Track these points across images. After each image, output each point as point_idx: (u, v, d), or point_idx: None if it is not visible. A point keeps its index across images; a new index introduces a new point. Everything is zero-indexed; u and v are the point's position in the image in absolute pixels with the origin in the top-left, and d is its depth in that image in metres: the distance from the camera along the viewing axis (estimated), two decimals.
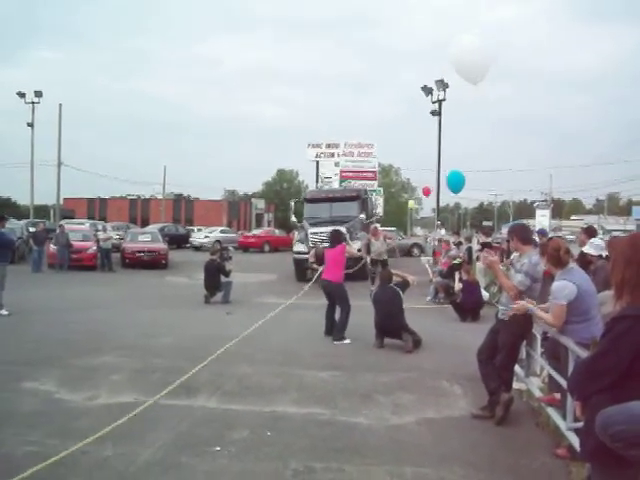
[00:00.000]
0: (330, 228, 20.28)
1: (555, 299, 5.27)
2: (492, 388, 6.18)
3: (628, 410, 2.83)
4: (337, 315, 10.45)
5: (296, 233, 24.35)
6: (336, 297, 10.52)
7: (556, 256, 5.42)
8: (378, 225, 22.56)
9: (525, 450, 5.38)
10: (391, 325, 9.60)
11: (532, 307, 5.64)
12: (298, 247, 21.42)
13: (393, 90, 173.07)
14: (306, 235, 21.36)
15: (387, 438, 5.63)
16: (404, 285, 10.29)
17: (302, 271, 19.98)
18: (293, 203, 25.30)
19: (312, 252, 18.67)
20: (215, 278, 15.29)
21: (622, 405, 2.85)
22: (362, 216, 21.80)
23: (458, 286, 13.88)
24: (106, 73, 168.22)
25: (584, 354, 4.31)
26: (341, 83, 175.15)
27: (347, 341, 9.91)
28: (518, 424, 6.06)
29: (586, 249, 7.79)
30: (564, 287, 5.22)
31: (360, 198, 22.92)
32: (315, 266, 17.60)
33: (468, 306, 12.94)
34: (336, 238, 11.16)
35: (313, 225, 21.56)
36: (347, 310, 10.29)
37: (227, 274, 15.55)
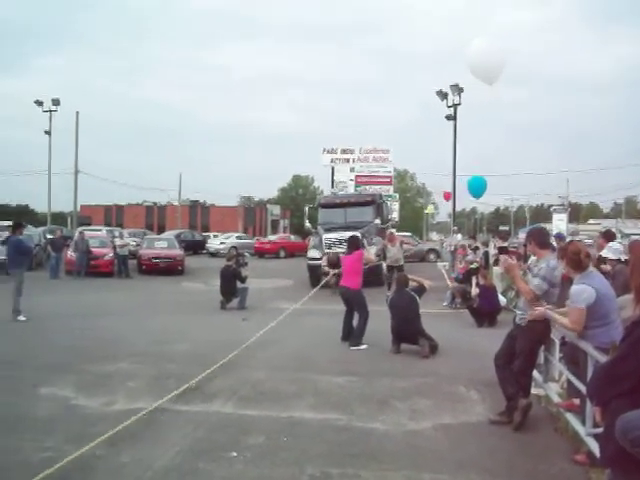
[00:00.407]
0: (345, 234, 19.85)
1: (574, 303, 5.21)
2: (510, 393, 6.13)
3: None
4: (355, 321, 10.41)
5: (311, 239, 24.20)
6: (354, 304, 10.46)
7: (576, 260, 5.34)
8: (394, 230, 22.49)
9: (543, 456, 5.32)
10: (407, 330, 9.56)
11: (550, 313, 5.58)
12: (312, 253, 21.25)
13: (406, 95, 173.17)
14: (320, 241, 21.21)
15: (404, 444, 5.60)
16: (420, 290, 10.25)
17: (316, 277, 19.64)
18: (307, 209, 25.15)
19: (325, 257, 18.45)
20: (231, 284, 15.33)
21: None
22: (377, 221, 21.65)
23: (475, 291, 13.79)
24: (115, 79, 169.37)
25: (603, 359, 4.26)
26: (353, 88, 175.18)
27: (364, 347, 9.87)
28: (536, 430, 6.00)
29: (604, 253, 7.71)
30: (583, 291, 5.16)
31: (375, 203, 22.69)
32: (327, 269, 17.56)
33: (485, 311, 12.86)
34: (353, 244, 11.03)
35: (328, 231, 21.39)
36: (365, 317, 10.24)
37: (243, 280, 15.59)
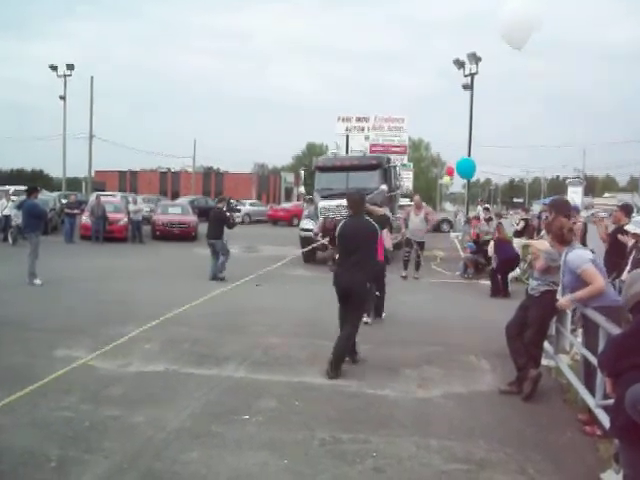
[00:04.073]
0: (345, 201, 18.08)
1: (581, 266, 5.35)
2: (520, 364, 6.17)
3: None
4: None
5: (305, 207, 21.66)
6: (379, 279, 9.32)
7: (560, 234, 5.65)
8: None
9: (552, 426, 5.36)
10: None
11: (573, 295, 5.56)
12: (305, 223, 18.38)
13: (424, 64, 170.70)
14: (316, 209, 18.44)
15: (413, 411, 5.66)
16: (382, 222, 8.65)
17: (310, 251, 16.85)
18: (303, 172, 22.19)
19: (320, 223, 16.29)
20: (217, 228, 14.61)
21: None
22: (383, 187, 18.60)
23: (491, 249, 13.74)
24: (136, 45, 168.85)
25: (615, 330, 4.27)
26: (371, 57, 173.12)
27: (384, 315, 9.68)
28: (546, 400, 6.04)
29: (630, 228, 7.62)
30: (580, 253, 5.48)
31: (381, 167, 19.50)
32: (319, 238, 15.37)
33: (503, 265, 12.98)
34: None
35: (325, 198, 18.39)
36: (384, 291, 9.79)
37: (231, 225, 15.06)
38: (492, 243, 13.78)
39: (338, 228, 7.19)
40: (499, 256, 13.09)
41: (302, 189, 21.22)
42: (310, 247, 14.19)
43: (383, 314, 9.74)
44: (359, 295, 6.85)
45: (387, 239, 9.74)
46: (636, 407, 2.89)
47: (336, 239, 7.19)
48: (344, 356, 6.82)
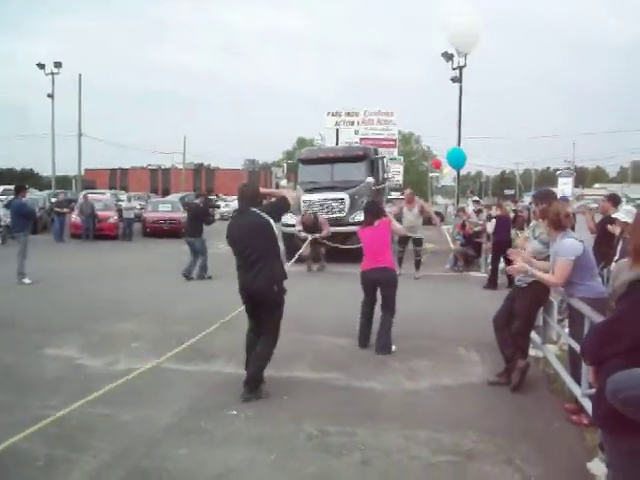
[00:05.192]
0: (330, 194, 16.84)
1: (563, 255, 5.38)
2: (508, 355, 6.19)
3: (639, 375, 2.81)
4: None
5: None
6: (389, 291, 7.83)
7: (557, 220, 5.59)
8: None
9: (540, 416, 5.39)
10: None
11: (531, 269, 5.70)
12: (288, 219, 15.65)
13: (414, 56, 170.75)
14: (298, 204, 16.27)
15: (401, 403, 5.68)
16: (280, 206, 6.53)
17: (293, 247, 15.07)
18: (286, 164, 21.40)
19: (299, 219, 15.59)
20: (195, 224, 14.14)
21: (633, 370, 2.83)
22: (370, 179, 17.66)
23: (491, 227, 13.64)
24: (126, 41, 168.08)
25: (599, 318, 4.29)
26: (366, 50, 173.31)
27: (394, 348, 7.56)
28: (534, 391, 6.07)
29: (618, 215, 7.66)
30: (572, 243, 5.42)
31: (368, 158, 18.58)
32: (303, 235, 15.02)
33: (496, 246, 12.78)
34: (374, 211, 8.14)
35: (309, 191, 17.29)
36: (394, 311, 7.87)
37: (209, 222, 14.78)
38: (493, 221, 13.64)
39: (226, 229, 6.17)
40: (495, 237, 13.02)
41: (284, 182, 20.18)
42: (297, 255, 13.46)
43: (393, 347, 7.52)
44: (266, 299, 5.87)
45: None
46: (616, 396, 2.89)
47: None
48: (261, 376, 5.89)
